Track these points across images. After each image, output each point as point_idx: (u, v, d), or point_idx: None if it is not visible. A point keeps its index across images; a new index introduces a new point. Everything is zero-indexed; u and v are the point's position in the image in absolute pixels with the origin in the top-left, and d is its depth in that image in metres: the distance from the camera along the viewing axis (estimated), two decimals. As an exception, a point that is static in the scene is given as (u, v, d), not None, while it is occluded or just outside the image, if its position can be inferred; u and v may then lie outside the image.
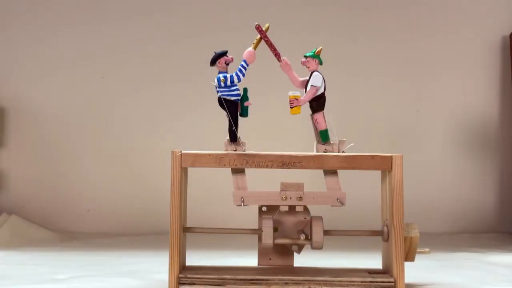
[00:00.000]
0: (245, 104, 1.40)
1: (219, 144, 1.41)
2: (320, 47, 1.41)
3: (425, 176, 2.04)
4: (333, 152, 1.41)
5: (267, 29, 1.40)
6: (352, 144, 1.46)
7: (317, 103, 1.40)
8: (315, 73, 1.40)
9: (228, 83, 1.36)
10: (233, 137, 1.40)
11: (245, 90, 1.40)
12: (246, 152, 1.38)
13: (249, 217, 1.64)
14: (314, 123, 1.42)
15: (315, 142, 1.45)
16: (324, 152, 1.42)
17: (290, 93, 1.39)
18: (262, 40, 1.39)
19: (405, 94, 1.95)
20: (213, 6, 2.01)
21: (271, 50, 1.40)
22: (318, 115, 1.41)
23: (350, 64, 2.09)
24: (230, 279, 1.28)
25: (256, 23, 1.39)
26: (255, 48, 1.39)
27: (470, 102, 2.01)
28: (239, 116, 1.40)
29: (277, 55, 1.40)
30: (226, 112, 1.39)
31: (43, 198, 2.37)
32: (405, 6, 2.08)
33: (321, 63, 1.41)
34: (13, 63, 2.49)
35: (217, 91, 1.39)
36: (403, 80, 1.96)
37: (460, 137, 2.00)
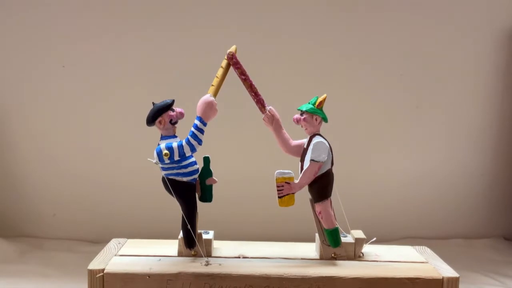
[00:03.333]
0: (208, 182, 0.88)
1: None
2: (324, 96, 0.89)
3: (422, 177, 1.67)
4: (345, 257, 0.91)
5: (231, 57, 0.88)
6: (375, 238, 0.96)
7: (320, 187, 0.87)
8: (316, 139, 0.87)
9: (176, 156, 0.83)
10: (190, 241, 0.87)
11: (207, 160, 0.88)
12: (211, 267, 0.85)
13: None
14: (317, 216, 0.90)
15: (316, 236, 0.93)
16: (333, 257, 0.91)
17: (278, 174, 0.87)
18: (229, 79, 0.88)
19: (405, 90, 1.57)
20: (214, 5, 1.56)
21: (252, 93, 0.88)
22: (322, 206, 0.88)
23: (350, 64, 1.66)
24: None
25: (230, 50, 0.87)
26: (215, 93, 0.86)
27: (471, 103, 1.65)
28: (197, 203, 0.88)
29: (260, 102, 0.88)
30: (177, 200, 0.86)
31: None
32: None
33: (325, 120, 0.89)
34: None
35: (161, 169, 0.85)
36: (404, 75, 1.57)
37: (460, 136, 1.65)
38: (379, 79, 1.56)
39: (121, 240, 0.95)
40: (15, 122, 1.61)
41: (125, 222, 1.56)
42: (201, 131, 0.83)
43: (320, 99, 0.88)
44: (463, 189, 1.67)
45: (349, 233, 0.95)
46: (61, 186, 1.62)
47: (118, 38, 1.52)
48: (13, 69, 1.55)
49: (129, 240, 0.96)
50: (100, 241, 1.57)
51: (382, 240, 1.50)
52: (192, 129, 0.83)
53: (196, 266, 0.84)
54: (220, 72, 0.86)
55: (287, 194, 0.86)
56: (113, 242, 0.94)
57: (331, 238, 0.89)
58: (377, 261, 0.92)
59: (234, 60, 0.86)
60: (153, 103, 0.85)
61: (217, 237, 0.96)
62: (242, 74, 0.86)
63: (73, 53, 1.53)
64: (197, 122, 0.83)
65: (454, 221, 1.68)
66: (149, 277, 0.82)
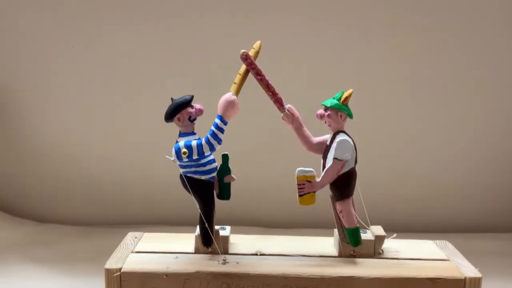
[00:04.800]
0: (226, 180, 0.86)
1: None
2: (350, 91, 0.85)
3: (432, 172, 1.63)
4: (364, 254, 0.89)
5: (257, 53, 0.85)
6: (395, 235, 0.94)
7: (343, 186, 0.85)
8: (340, 136, 0.84)
9: (195, 155, 0.81)
10: (207, 240, 0.86)
11: (225, 157, 0.86)
12: (228, 266, 0.84)
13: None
14: (337, 215, 0.88)
15: (334, 231, 0.92)
16: (352, 255, 0.89)
17: (299, 172, 0.84)
18: (249, 77, 0.85)
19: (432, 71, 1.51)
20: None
21: (269, 93, 0.85)
22: (344, 205, 0.86)
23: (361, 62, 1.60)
24: None
25: (243, 50, 0.83)
26: (237, 92, 0.83)
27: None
28: (215, 200, 0.86)
29: (278, 102, 0.85)
30: (195, 198, 0.84)
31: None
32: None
33: (350, 116, 0.85)
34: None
35: (179, 167, 0.83)
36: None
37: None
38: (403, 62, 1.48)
39: (137, 234, 0.94)
40: (19, 119, 1.57)
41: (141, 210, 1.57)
42: (222, 130, 0.80)
43: (345, 94, 0.84)
44: (478, 184, 1.59)
45: (368, 228, 0.93)
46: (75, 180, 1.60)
47: (135, 32, 1.47)
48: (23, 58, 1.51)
49: (145, 235, 0.95)
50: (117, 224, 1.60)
51: (397, 230, 1.48)
52: (213, 128, 0.80)
53: (213, 264, 0.83)
54: (243, 69, 0.83)
55: (308, 193, 0.83)
56: (129, 237, 0.93)
57: (352, 237, 0.87)
58: (397, 258, 0.90)
59: (248, 60, 0.82)
60: (171, 99, 0.82)
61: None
62: (258, 74, 0.83)
63: (86, 50, 1.49)
64: (217, 121, 0.80)
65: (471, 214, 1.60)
66: (166, 276, 0.80)
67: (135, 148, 1.53)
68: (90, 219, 1.63)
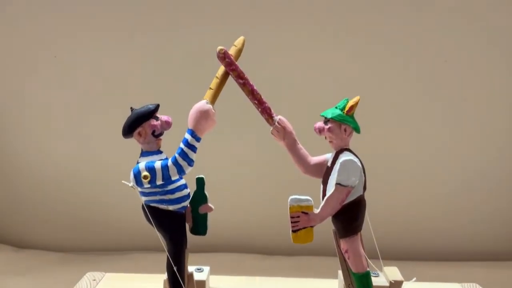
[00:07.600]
0: (201, 210, 0.69)
1: None
2: (356, 98, 0.68)
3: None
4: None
5: (239, 51, 0.68)
6: (415, 279, 0.77)
7: (348, 219, 0.67)
8: (344, 155, 0.67)
9: (160, 180, 0.64)
10: (176, 287, 0.68)
11: (201, 182, 0.69)
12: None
13: None
14: (342, 255, 0.70)
15: (339, 273, 0.74)
16: (362, 304, 0.71)
17: (292, 201, 0.66)
18: (228, 79, 0.68)
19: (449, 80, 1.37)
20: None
21: (254, 101, 0.68)
22: (350, 243, 0.68)
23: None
24: None
25: (220, 47, 0.66)
26: (213, 100, 0.67)
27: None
28: (187, 237, 0.69)
29: (266, 112, 0.68)
30: (160, 234, 0.67)
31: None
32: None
33: (357, 130, 0.68)
34: None
35: (140, 195, 0.66)
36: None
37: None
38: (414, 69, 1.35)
39: (97, 275, 0.78)
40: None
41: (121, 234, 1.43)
42: (193, 148, 0.64)
43: (351, 103, 0.67)
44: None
45: (381, 270, 0.76)
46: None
47: (112, 44, 1.33)
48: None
49: (107, 275, 0.78)
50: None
51: (412, 259, 1.33)
52: (182, 145, 0.64)
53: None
54: (221, 71, 0.67)
55: (303, 228, 0.66)
56: (86, 279, 0.76)
57: (361, 284, 0.69)
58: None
59: (227, 60, 0.66)
60: (131, 108, 0.66)
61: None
62: (240, 77, 0.67)
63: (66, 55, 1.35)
64: (188, 136, 0.64)
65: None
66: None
67: (116, 170, 1.39)
68: (72, 244, 1.50)
